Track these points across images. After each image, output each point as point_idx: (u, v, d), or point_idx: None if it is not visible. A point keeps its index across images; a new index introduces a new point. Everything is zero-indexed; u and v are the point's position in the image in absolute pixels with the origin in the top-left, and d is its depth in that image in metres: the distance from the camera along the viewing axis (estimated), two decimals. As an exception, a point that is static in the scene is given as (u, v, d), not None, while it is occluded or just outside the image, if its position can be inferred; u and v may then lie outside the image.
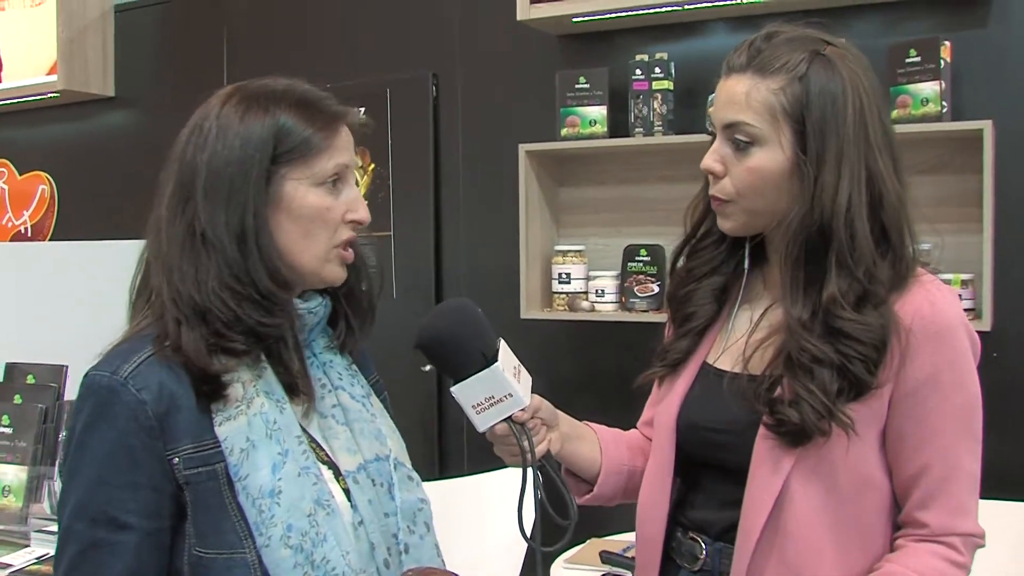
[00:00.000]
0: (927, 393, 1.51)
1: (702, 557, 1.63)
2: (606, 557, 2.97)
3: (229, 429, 1.36)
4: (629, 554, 2.89)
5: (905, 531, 1.56)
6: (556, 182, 3.82)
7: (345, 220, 1.45)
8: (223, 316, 1.36)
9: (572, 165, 3.80)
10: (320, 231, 1.43)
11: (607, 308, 3.57)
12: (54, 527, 2.40)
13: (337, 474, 1.46)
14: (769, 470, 1.52)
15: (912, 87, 3.07)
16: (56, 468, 2.55)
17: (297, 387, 1.44)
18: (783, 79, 1.52)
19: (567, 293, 3.65)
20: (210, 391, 1.37)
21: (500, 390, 1.46)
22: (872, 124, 1.54)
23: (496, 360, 1.46)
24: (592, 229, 3.77)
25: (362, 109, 1.51)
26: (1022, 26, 3.13)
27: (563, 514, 1.48)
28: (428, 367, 4.22)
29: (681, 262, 1.74)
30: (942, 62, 3.03)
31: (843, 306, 1.49)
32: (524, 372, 1.52)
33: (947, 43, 3.07)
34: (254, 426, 1.37)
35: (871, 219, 1.52)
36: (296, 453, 1.39)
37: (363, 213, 1.47)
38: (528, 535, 1.48)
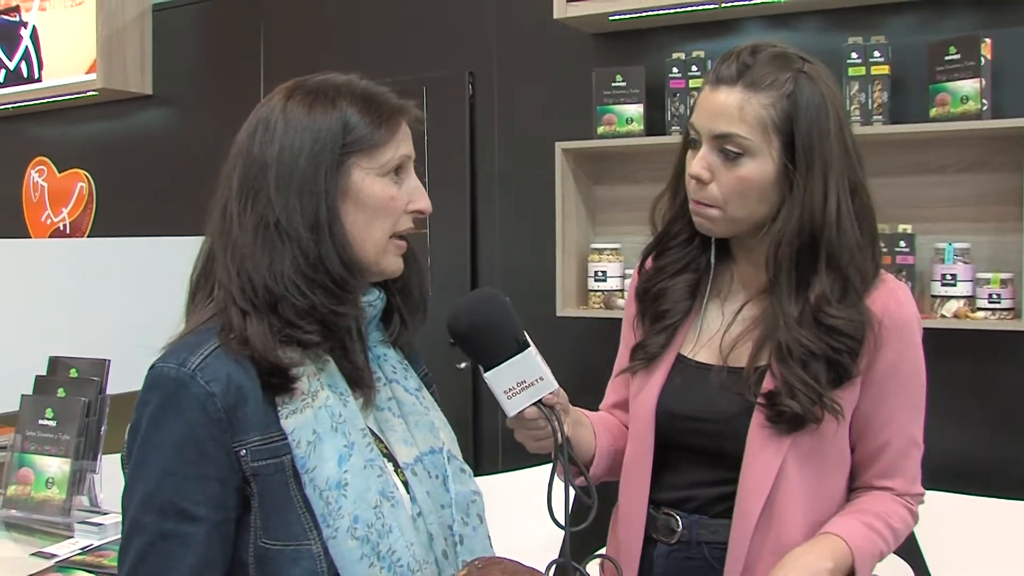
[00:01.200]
0: (892, 379, 1.67)
1: (679, 530, 1.73)
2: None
3: (295, 422, 1.37)
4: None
5: (864, 490, 1.73)
6: (592, 180, 3.82)
7: (408, 210, 1.48)
8: (297, 304, 1.36)
9: (608, 163, 3.80)
10: (383, 220, 1.45)
11: (642, 306, 3.56)
12: (97, 519, 2.45)
13: (396, 466, 1.47)
14: (768, 456, 1.63)
15: (951, 85, 3.05)
16: (98, 461, 2.58)
17: (360, 379, 1.45)
18: (773, 95, 1.61)
19: (603, 291, 3.66)
20: (278, 384, 1.37)
21: (532, 374, 1.49)
22: (847, 137, 1.66)
23: (528, 345, 1.48)
24: (628, 227, 3.77)
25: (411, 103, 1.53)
26: (1064, 23, 3.10)
27: (584, 494, 1.52)
28: (464, 364, 4.23)
29: (649, 260, 1.84)
30: (982, 59, 3.01)
31: (831, 303, 1.62)
32: (543, 358, 1.55)
33: (987, 40, 3.04)
34: (320, 419, 1.38)
35: (856, 223, 1.65)
36: (361, 446, 1.40)
37: (424, 203, 1.50)
38: (558, 515, 1.50)
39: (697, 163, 1.65)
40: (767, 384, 1.64)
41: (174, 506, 1.33)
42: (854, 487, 1.74)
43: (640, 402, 1.78)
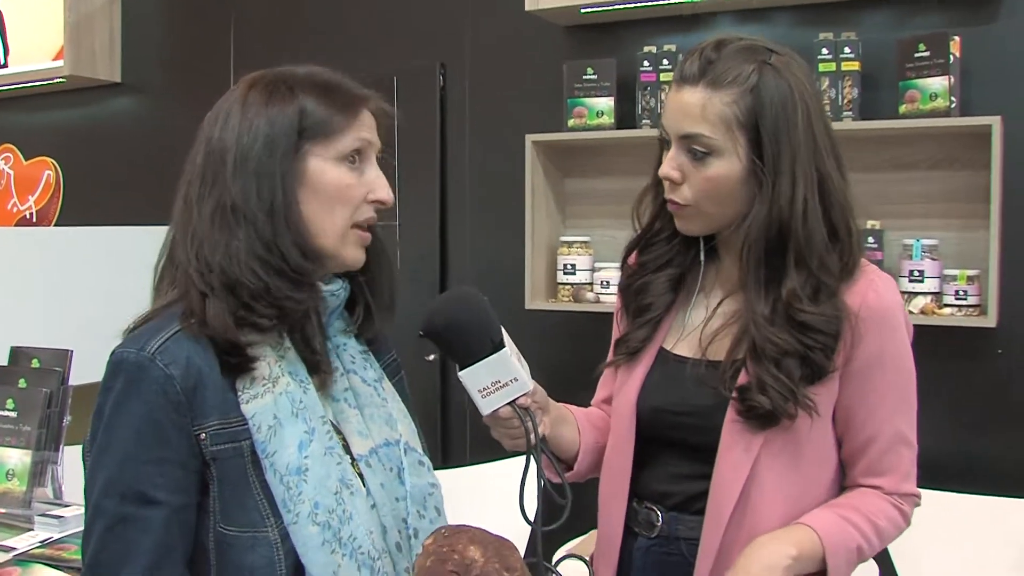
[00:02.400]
0: (873, 371, 1.64)
1: (659, 524, 1.73)
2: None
3: (256, 407, 1.38)
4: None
5: (852, 488, 1.70)
6: (562, 173, 3.82)
7: (367, 200, 1.48)
8: (252, 287, 1.37)
9: (579, 156, 3.79)
10: (341, 208, 1.45)
11: (612, 299, 3.53)
12: (58, 511, 2.42)
13: (352, 458, 1.47)
14: (741, 451, 1.62)
15: (921, 82, 3.06)
16: (60, 452, 2.55)
17: (317, 365, 1.46)
18: (736, 91, 1.59)
19: (572, 284, 3.65)
20: (237, 364, 1.38)
21: (506, 374, 1.48)
22: (818, 128, 1.63)
23: (504, 346, 1.48)
24: (598, 220, 3.77)
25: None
26: (1032, 22, 3.12)
27: (559, 494, 1.51)
28: (432, 356, 4.22)
29: (632, 256, 1.84)
30: (951, 57, 3.02)
31: (801, 299, 1.60)
32: (522, 358, 1.54)
33: (956, 38, 3.06)
34: (280, 404, 1.39)
35: (824, 218, 1.62)
36: (321, 433, 1.41)
37: (384, 193, 1.50)
38: (529, 516, 1.50)
39: (667, 164, 1.65)
40: (741, 379, 1.63)
41: (134, 490, 1.34)
42: (843, 486, 1.72)
43: (622, 396, 1.78)
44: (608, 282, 3.58)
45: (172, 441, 1.35)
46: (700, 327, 1.71)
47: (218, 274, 1.38)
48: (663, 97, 3.47)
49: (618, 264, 3.49)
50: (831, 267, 1.62)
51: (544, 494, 1.49)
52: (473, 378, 1.48)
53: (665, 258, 1.77)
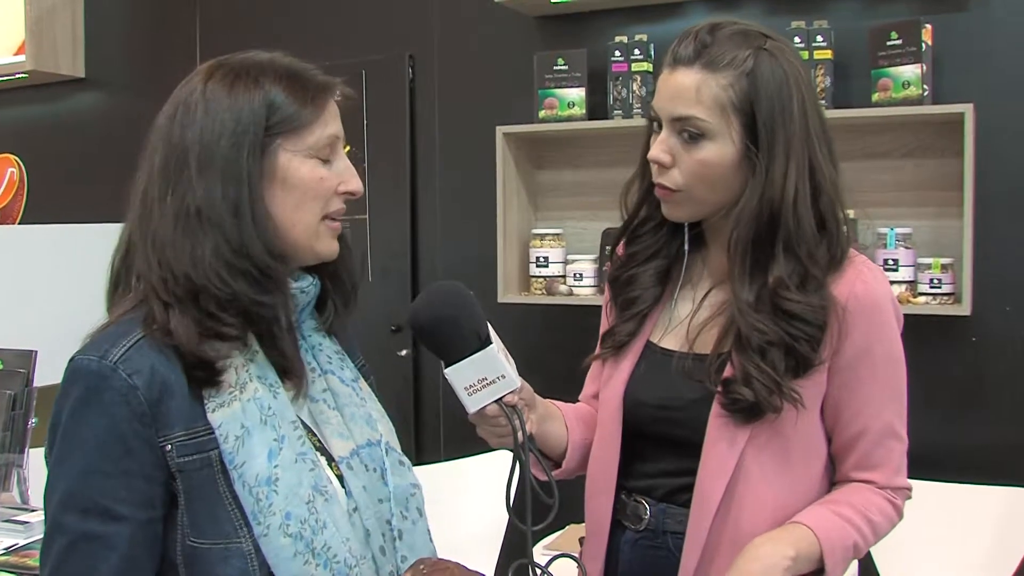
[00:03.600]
0: (862, 364, 1.61)
1: (646, 517, 1.71)
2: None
3: (223, 415, 1.32)
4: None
5: (844, 483, 1.68)
6: (534, 165, 3.79)
7: (338, 192, 1.44)
8: (219, 293, 1.32)
9: (550, 147, 3.77)
10: (313, 203, 1.41)
11: (585, 292, 3.56)
12: (23, 516, 2.37)
13: (330, 460, 1.43)
14: (726, 445, 1.60)
15: (893, 70, 3.06)
16: (25, 456, 2.51)
17: (291, 370, 1.41)
18: (731, 75, 1.57)
19: (545, 277, 3.63)
20: (204, 377, 1.33)
21: (493, 371, 1.45)
22: (811, 116, 1.61)
23: (491, 342, 1.45)
24: (570, 212, 3.75)
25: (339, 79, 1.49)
26: (1003, 9, 3.12)
27: (547, 493, 1.49)
28: (405, 352, 4.18)
29: (620, 247, 1.81)
30: (923, 45, 3.02)
31: (788, 287, 1.57)
32: (509, 355, 1.51)
33: (928, 26, 3.06)
34: (248, 412, 1.33)
35: (813, 207, 1.60)
36: (292, 439, 1.36)
37: (355, 184, 1.45)
38: (518, 516, 1.48)
39: (657, 147, 1.62)
40: (726, 372, 1.61)
41: (97, 505, 1.28)
42: (834, 481, 1.69)
43: (608, 390, 1.76)
44: (581, 275, 3.56)
45: (136, 453, 1.30)
46: (687, 319, 1.69)
47: (183, 282, 1.32)
48: (634, 87, 3.46)
49: (591, 256, 3.53)
50: (819, 257, 1.59)
51: (523, 493, 1.46)
52: (459, 375, 1.45)
53: (652, 249, 1.75)
